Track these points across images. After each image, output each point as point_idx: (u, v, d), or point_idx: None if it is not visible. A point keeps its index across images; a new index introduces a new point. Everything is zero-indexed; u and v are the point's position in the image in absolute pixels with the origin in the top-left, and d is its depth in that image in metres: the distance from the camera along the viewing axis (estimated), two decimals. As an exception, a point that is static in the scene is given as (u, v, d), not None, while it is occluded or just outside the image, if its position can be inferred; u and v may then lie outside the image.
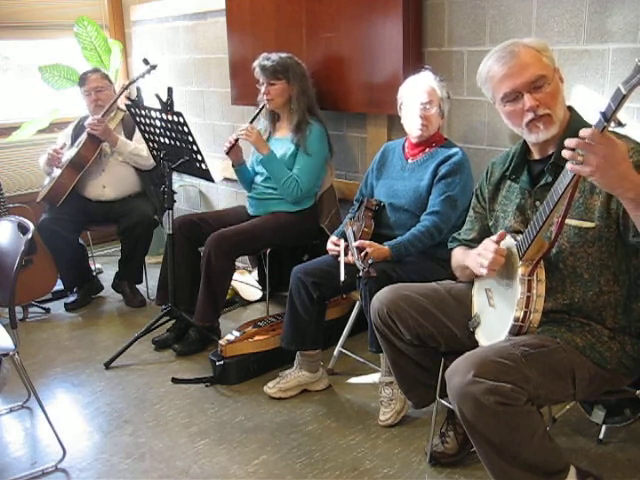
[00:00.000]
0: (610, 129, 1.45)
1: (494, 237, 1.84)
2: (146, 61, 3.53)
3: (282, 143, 3.18)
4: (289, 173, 3.09)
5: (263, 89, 3.15)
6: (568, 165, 1.48)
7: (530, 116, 1.76)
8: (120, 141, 3.70)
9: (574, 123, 1.80)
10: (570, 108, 1.85)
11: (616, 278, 1.77)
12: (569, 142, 1.46)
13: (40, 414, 2.49)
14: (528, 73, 1.75)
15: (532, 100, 1.74)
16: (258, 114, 3.20)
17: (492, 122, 2.78)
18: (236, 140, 3.14)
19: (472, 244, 2.09)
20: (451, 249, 2.19)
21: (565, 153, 1.47)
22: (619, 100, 1.36)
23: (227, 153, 3.19)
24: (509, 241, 1.82)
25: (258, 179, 3.28)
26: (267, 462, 2.34)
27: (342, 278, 2.46)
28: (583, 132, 1.44)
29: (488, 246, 1.82)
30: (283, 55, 3.14)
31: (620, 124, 1.43)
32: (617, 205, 1.67)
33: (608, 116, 1.39)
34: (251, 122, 3.17)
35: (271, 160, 3.09)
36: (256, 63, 3.15)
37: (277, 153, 3.13)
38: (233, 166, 3.29)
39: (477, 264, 1.86)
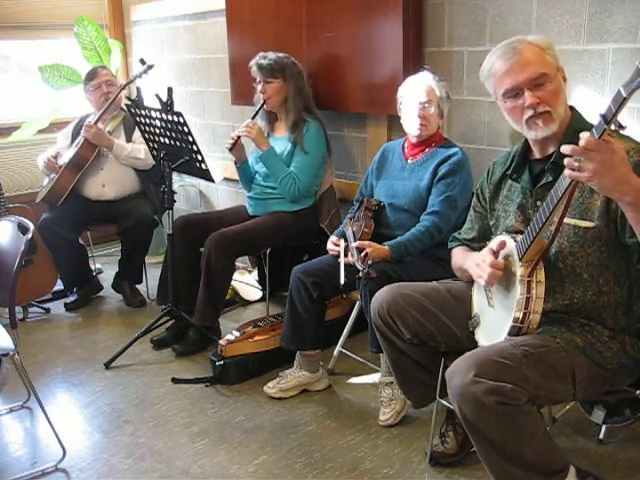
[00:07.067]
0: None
1: (494, 245, 1.83)
2: (143, 61, 3.53)
3: (280, 142, 3.18)
4: (287, 170, 3.09)
5: (260, 87, 3.16)
6: (566, 172, 1.49)
7: (530, 113, 1.76)
8: (116, 145, 3.69)
9: (575, 123, 1.80)
10: (572, 108, 1.85)
11: (616, 279, 1.77)
12: (565, 149, 1.46)
13: (40, 414, 2.49)
14: (530, 70, 1.75)
15: (532, 97, 1.74)
16: (259, 110, 3.21)
17: (492, 122, 2.78)
18: (238, 137, 3.15)
19: (472, 243, 2.10)
20: (451, 249, 2.19)
21: (565, 161, 1.48)
22: (619, 103, 1.36)
23: (230, 150, 3.19)
24: (509, 243, 1.82)
25: (258, 178, 3.28)
26: (267, 462, 2.34)
27: (342, 280, 2.47)
28: (581, 136, 1.44)
29: (486, 258, 1.82)
30: (280, 54, 3.15)
31: (621, 126, 1.42)
32: (616, 204, 1.66)
33: (608, 119, 1.39)
34: (252, 118, 3.18)
35: (270, 156, 3.10)
36: (253, 62, 3.16)
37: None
38: (235, 164, 3.29)
39: (476, 275, 1.87)
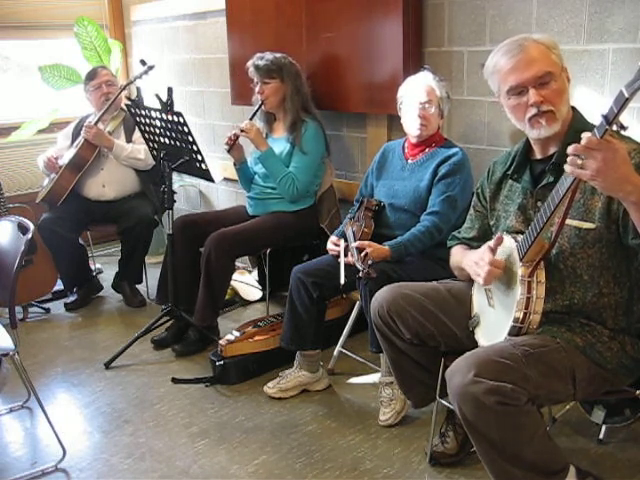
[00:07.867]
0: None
1: (491, 243, 1.82)
2: (143, 62, 3.53)
3: (279, 143, 3.19)
4: (286, 170, 3.09)
5: (257, 88, 3.16)
6: (568, 169, 1.49)
7: (533, 111, 1.76)
8: (116, 145, 3.69)
9: (576, 123, 1.80)
10: (573, 108, 1.85)
11: (616, 280, 1.77)
12: (568, 150, 1.46)
13: (40, 414, 2.49)
14: (535, 68, 1.74)
15: (537, 95, 1.74)
16: (258, 110, 3.21)
17: (492, 122, 2.78)
18: (236, 137, 3.15)
19: (472, 243, 2.10)
20: (450, 247, 2.19)
21: (568, 159, 1.48)
22: (621, 103, 1.35)
23: (229, 151, 3.19)
24: (509, 243, 1.82)
25: (257, 179, 3.28)
26: (267, 462, 2.34)
27: (342, 280, 2.47)
28: (583, 136, 1.44)
29: (484, 256, 1.81)
30: (277, 55, 3.15)
31: (622, 127, 1.42)
32: (618, 206, 1.66)
33: (610, 119, 1.39)
34: (250, 119, 3.18)
35: (269, 157, 3.10)
36: (250, 63, 3.16)
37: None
38: (235, 165, 3.30)
39: (474, 273, 1.86)
